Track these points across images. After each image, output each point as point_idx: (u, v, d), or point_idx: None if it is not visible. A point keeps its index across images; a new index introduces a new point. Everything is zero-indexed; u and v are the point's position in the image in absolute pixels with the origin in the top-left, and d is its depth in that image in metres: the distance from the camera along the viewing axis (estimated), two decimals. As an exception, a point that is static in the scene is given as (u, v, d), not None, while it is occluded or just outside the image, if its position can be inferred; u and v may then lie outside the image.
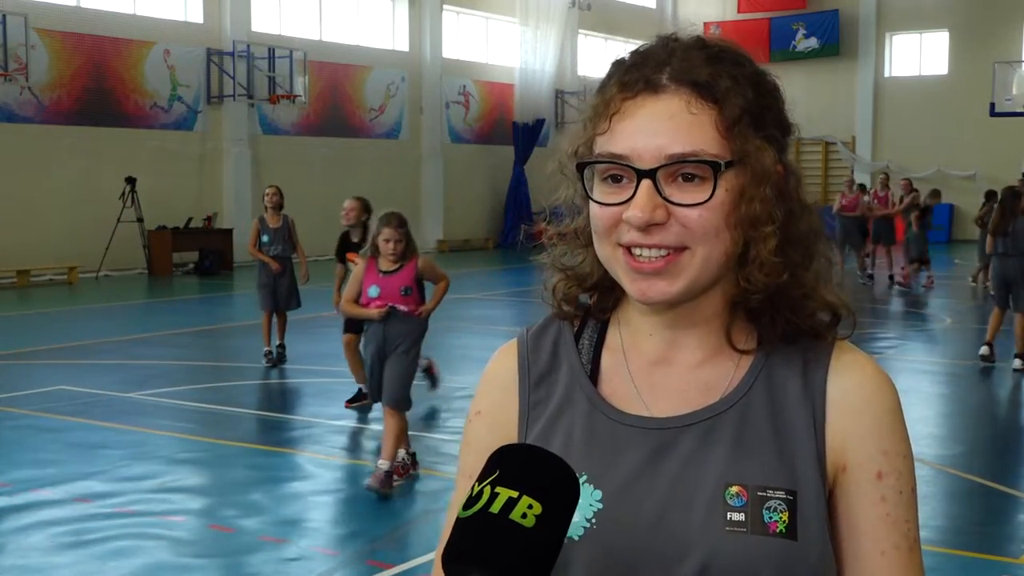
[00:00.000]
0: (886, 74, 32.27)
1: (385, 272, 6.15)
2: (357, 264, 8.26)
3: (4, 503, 5.97)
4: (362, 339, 6.93)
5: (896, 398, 1.18)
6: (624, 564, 1.13)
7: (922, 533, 1.19)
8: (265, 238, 10.21)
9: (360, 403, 8.29)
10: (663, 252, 1.13)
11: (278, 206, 10.31)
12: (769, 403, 1.17)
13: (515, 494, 0.93)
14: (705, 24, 30.84)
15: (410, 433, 6.90)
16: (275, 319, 10.34)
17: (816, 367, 1.18)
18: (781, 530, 1.11)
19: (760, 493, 1.12)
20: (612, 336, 1.26)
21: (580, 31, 30.38)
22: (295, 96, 22.52)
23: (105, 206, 19.09)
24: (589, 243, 1.24)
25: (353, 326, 8.13)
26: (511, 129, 28.11)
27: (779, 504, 1.11)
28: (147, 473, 6.65)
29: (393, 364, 6.17)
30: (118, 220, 19.12)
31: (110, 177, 19.41)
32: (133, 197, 19.32)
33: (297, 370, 10.19)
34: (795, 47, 32.57)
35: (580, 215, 1.25)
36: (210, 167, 21.73)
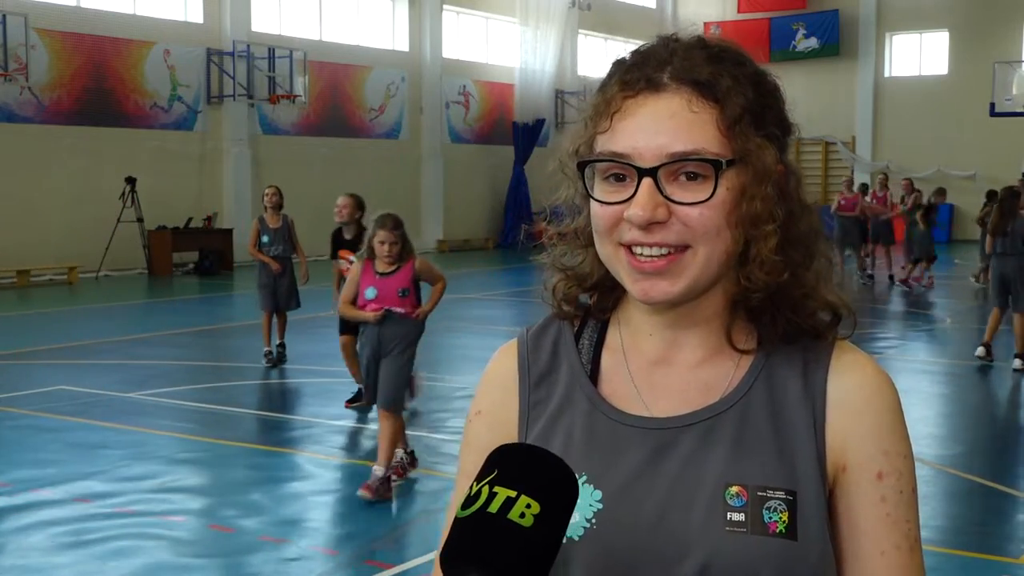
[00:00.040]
0: (886, 74, 32.27)
1: (382, 274, 6.13)
2: (352, 263, 8.27)
3: (4, 503, 5.97)
4: (359, 340, 6.92)
5: (896, 398, 1.18)
6: (624, 564, 1.13)
7: (922, 533, 1.19)
8: (265, 238, 10.21)
9: (360, 403, 8.28)
10: (664, 251, 1.12)
11: (277, 206, 10.30)
12: (769, 403, 1.17)
13: (513, 494, 0.92)
14: (705, 24, 30.83)
15: (410, 433, 6.91)
16: (275, 319, 10.34)
17: (816, 367, 1.18)
18: (781, 530, 1.10)
19: (760, 493, 1.12)
20: (612, 336, 1.26)
21: (580, 31, 30.39)
22: (295, 96, 22.53)
23: (105, 206, 19.09)
24: (589, 243, 1.24)
25: (349, 328, 8.12)
26: (511, 129, 28.12)
27: (779, 504, 1.11)
28: (147, 473, 6.65)
29: (387, 365, 6.14)
30: (118, 220, 19.13)
31: (110, 177, 19.41)
32: (133, 197, 19.32)
33: (297, 370, 10.19)
34: (795, 47, 32.57)
35: (580, 215, 1.25)
36: (210, 167, 21.73)
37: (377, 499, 5.95)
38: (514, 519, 0.91)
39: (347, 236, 8.52)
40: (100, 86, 19.74)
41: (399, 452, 6.35)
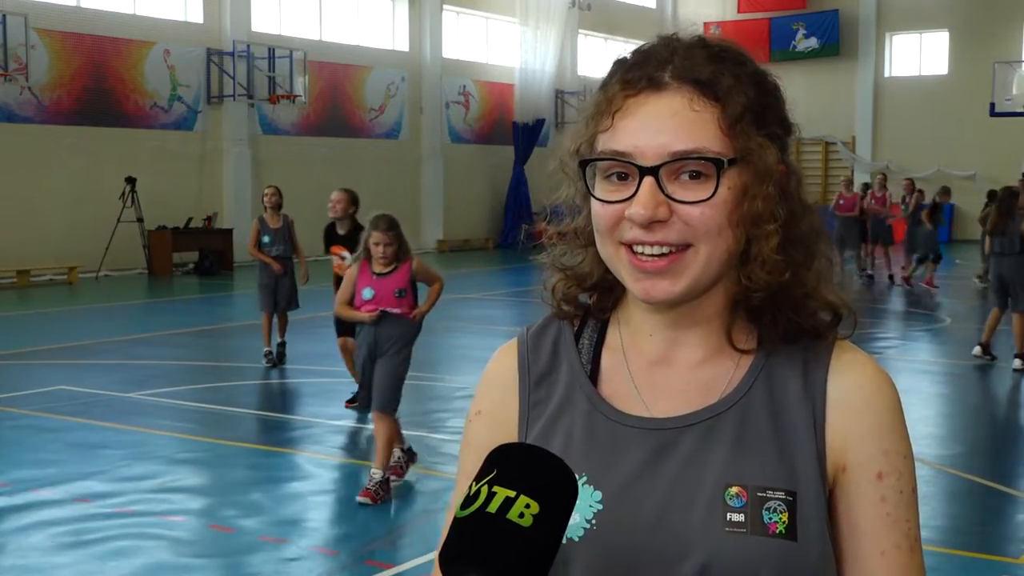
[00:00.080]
0: (886, 74, 32.27)
1: (379, 274, 6.10)
2: (344, 258, 8.23)
3: (4, 503, 5.97)
4: (356, 341, 6.90)
5: (896, 398, 1.18)
6: (624, 565, 1.12)
7: (922, 533, 1.19)
8: (266, 239, 10.19)
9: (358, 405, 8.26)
10: (665, 250, 1.12)
11: (277, 206, 10.29)
12: (769, 403, 1.17)
13: (512, 493, 0.92)
14: (705, 24, 30.84)
15: (411, 433, 6.91)
16: (276, 318, 10.33)
17: (816, 367, 1.18)
18: (781, 531, 1.10)
19: (760, 494, 1.12)
20: (612, 336, 1.26)
21: (580, 31, 30.39)
22: (295, 96, 22.53)
23: (105, 206, 19.09)
24: (589, 243, 1.24)
25: (346, 329, 8.10)
26: (511, 129, 28.12)
27: (779, 505, 1.11)
28: (147, 473, 6.65)
29: (382, 366, 6.11)
30: (118, 220, 19.13)
31: (110, 177, 19.41)
32: (133, 197, 19.32)
33: (297, 370, 10.19)
34: (795, 47, 32.57)
35: (580, 214, 1.25)
36: (210, 167, 21.73)
37: (375, 501, 5.95)
38: (513, 519, 0.91)
39: (340, 231, 8.47)
40: (100, 86, 19.74)
41: (396, 452, 6.34)
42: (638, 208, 1.11)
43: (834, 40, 32.33)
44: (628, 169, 1.13)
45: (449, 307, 14.11)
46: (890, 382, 1.19)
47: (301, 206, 16.87)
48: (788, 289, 1.18)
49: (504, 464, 0.96)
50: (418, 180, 26.29)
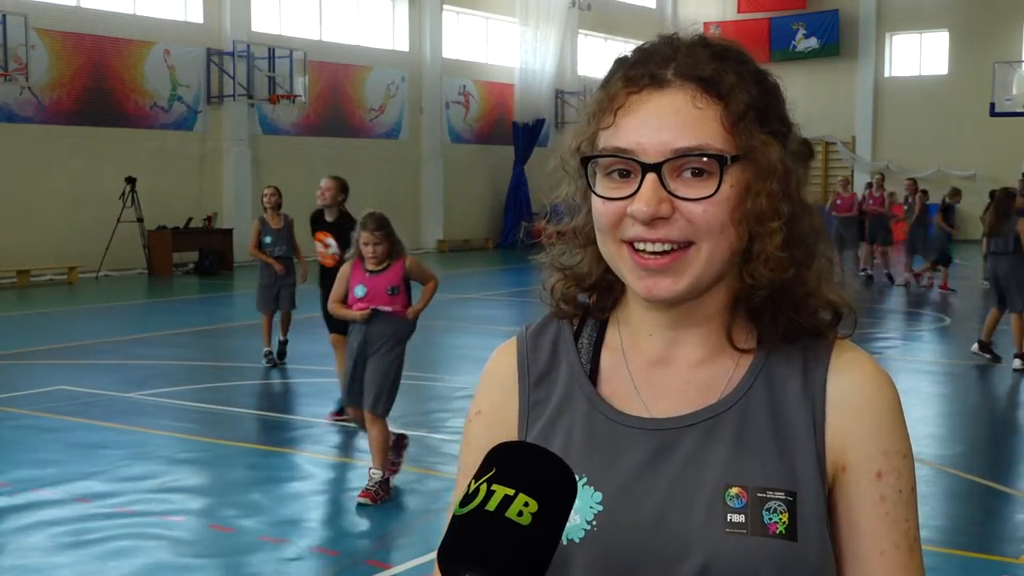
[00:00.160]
0: (886, 74, 32.28)
1: (371, 272, 6.06)
2: (328, 245, 8.18)
3: (4, 503, 5.97)
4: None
5: (896, 397, 1.18)
6: (624, 565, 1.12)
7: (922, 533, 1.19)
8: (268, 239, 10.16)
9: (342, 416, 7.97)
10: (667, 247, 1.12)
11: (277, 206, 10.27)
12: (769, 403, 1.17)
13: (511, 492, 0.92)
14: (705, 24, 30.83)
15: (410, 433, 6.91)
16: (278, 317, 10.32)
17: (816, 366, 1.18)
18: (781, 531, 1.10)
19: (760, 494, 1.12)
20: (612, 335, 1.26)
21: (580, 31, 30.39)
22: (295, 96, 22.53)
23: (105, 206, 19.09)
24: (588, 242, 1.24)
25: (337, 326, 8.05)
26: (511, 129, 28.12)
27: (779, 505, 1.11)
28: (147, 473, 6.64)
29: (372, 365, 6.05)
30: (118, 220, 19.13)
31: (110, 177, 19.41)
32: (133, 197, 19.32)
33: (297, 370, 10.19)
34: (795, 47, 32.58)
35: (579, 213, 1.25)
36: (210, 167, 21.73)
37: (376, 502, 5.95)
38: (512, 517, 0.91)
39: (328, 219, 8.35)
40: (100, 86, 19.74)
41: (392, 438, 6.31)
42: (640, 205, 1.11)
43: (834, 40, 32.33)
44: (630, 166, 1.13)
45: (449, 307, 14.12)
46: (890, 382, 1.19)
47: (301, 206, 16.81)
48: (789, 288, 1.18)
49: (503, 462, 0.95)
50: (418, 180, 26.29)
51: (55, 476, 6.51)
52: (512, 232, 27.09)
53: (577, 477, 1.13)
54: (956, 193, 18.36)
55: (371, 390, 6.04)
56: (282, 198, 10.38)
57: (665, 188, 1.11)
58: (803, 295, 1.18)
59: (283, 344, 10.35)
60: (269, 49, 22.16)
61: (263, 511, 5.91)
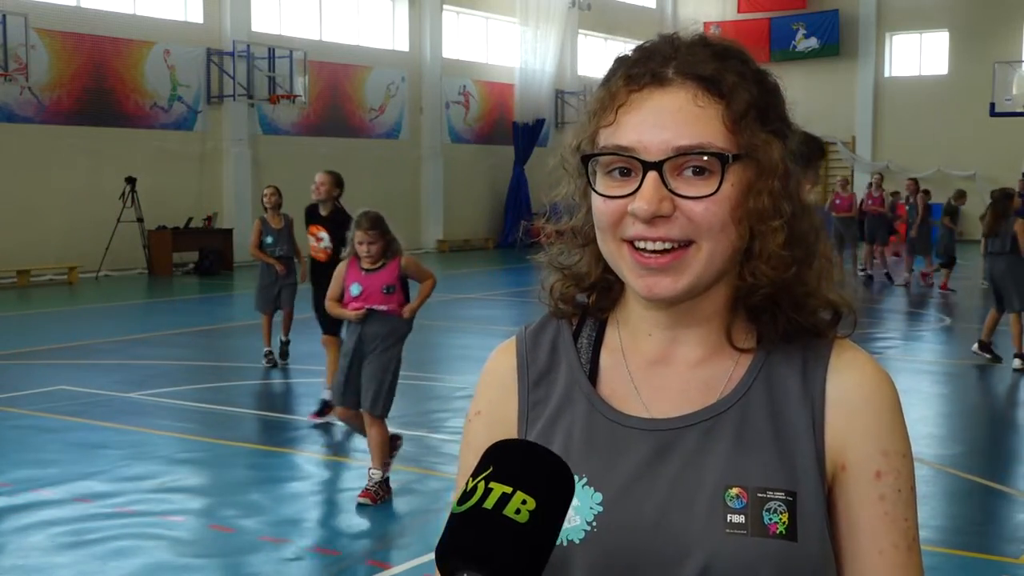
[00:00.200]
0: (886, 74, 32.28)
1: (367, 270, 6.04)
2: (320, 239, 8.16)
3: (4, 503, 5.97)
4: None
5: (896, 397, 1.18)
6: (624, 566, 1.12)
7: (922, 533, 1.19)
8: (269, 239, 10.14)
9: (326, 416, 7.93)
10: (668, 246, 1.12)
11: (278, 206, 10.26)
12: (769, 402, 1.17)
13: (509, 490, 0.92)
14: (705, 24, 30.84)
15: (411, 433, 6.91)
16: (277, 317, 10.31)
17: (816, 365, 1.18)
18: (781, 531, 1.10)
19: (760, 495, 1.12)
20: (611, 335, 1.26)
21: (580, 31, 30.40)
22: (295, 96, 22.53)
23: (105, 206, 19.10)
24: (587, 242, 1.24)
25: (330, 327, 8.01)
26: (511, 129, 28.12)
27: (779, 505, 1.11)
28: (147, 473, 6.65)
29: (369, 364, 6.01)
30: (118, 220, 19.13)
31: (110, 177, 19.41)
32: (133, 197, 19.32)
33: (297, 370, 10.19)
34: (795, 47, 32.58)
35: (579, 212, 1.25)
36: (210, 167, 21.73)
37: (377, 502, 5.95)
38: (509, 515, 0.91)
39: (322, 212, 8.32)
40: (100, 86, 19.74)
41: None
42: (641, 203, 1.11)
43: (834, 40, 32.33)
44: (631, 164, 1.13)
45: (449, 307, 14.12)
46: (889, 381, 1.19)
47: (301, 206, 16.83)
48: (789, 287, 1.18)
49: (501, 460, 0.95)
50: (418, 180, 26.29)
51: (55, 476, 6.51)
52: (512, 232, 27.09)
53: (577, 478, 1.14)
54: (961, 195, 18.34)
55: (369, 391, 6.01)
56: (282, 198, 10.37)
57: (666, 186, 1.11)
58: (803, 294, 1.18)
59: (285, 344, 10.35)
60: (269, 49, 22.17)
61: (263, 511, 5.91)
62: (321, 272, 8.07)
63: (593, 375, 1.23)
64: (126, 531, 5.52)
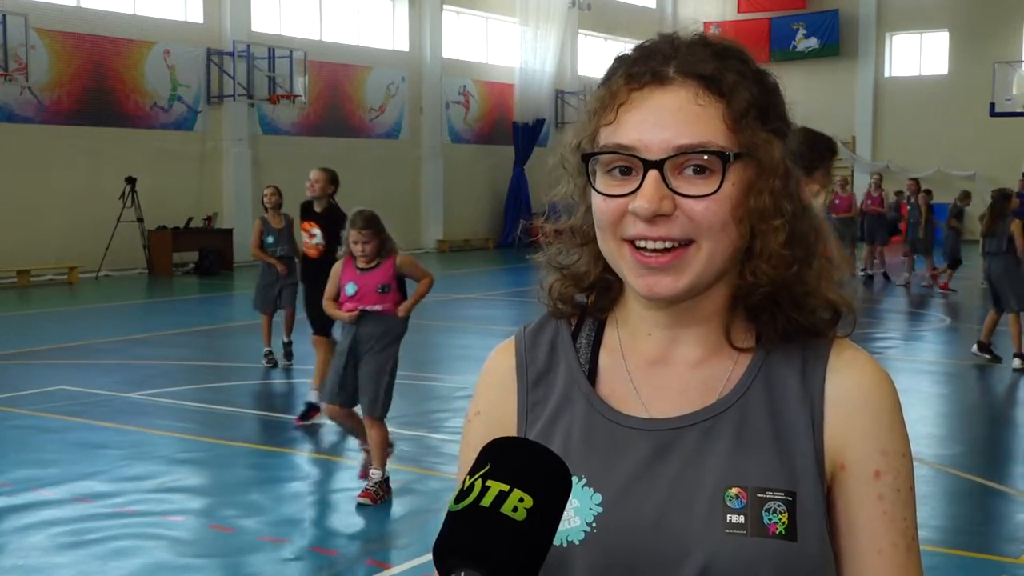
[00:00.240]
0: (886, 74, 32.29)
1: (362, 269, 6.01)
2: (314, 235, 8.14)
3: (4, 503, 5.97)
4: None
5: (895, 396, 1.18)
6: (624, 566, 1.12)
7: (922, 533, 1.19)
8: (270, 239, 10.14)
9: (312, 419, 7.88)
10: (668, 245, 1.12)
11: (278, 206, 10.25)
12: (768, 402, 1.17)
13: (506, 487, 0.92)
14: (705, 24, 30.83)
15: (411, 433, 6.91)
16: (278, 317, 10.31)
17: (815, 365, 1.18)
18: (780, 531, 1.10)
19: (760, 495, 1.11)
20: (610, 335, 1.26)
21: (580, 31, 30.40)
22: (295, 96, 22.53)
23: (105, 206, 19.10)
24: (586, 241, 1.23)
25: (322, 328, 7.98)
26: (511, 129, 28.13)
27: (778, 505, 1.11)
28: (147, 473, 6.65)
29: (365, 365, 5.98)
30: (118, 220, 19.13)
31: (110, 177, 19.42)
32: (133, 197, 19.33)
33: (297, 370, 10.19)
34: (795, 47, 32.59)
35: (578, 212, 1.25)
36: (210, 167, 21.73)
37: (377, 503, 5.95)
38: (507, 513, 0.90)
39: (317, 209, 8.27)
40: (100, 86, 19.75)
41: (364, 455, 6.27)
42: (642, 202, 1.11)
43: (834, 40, 32.34)
44: (631, 163, 1.13)
45: (449, 307, 14.12)
46: (889, 380, 1.19)
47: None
48: (789, 286, 1.17)
49: (498, 458, 0.95)
50: (418, 180, 26.30)
51: (55, 476, 6.51)
52: (512, 232, 27.11)
53: (576, 478, 1.14)
54: (966, 196, 18.33)
55: (367, 394, 5.98)
56: (283, 198, 10.36)
57: (667, 185, 1.11)
58: (803, 293, 1.18)
59: (288, 345, 10.33)
60: (269, 49, 22.17)
61: (263, 511, 5.91)
62: (312, 269, 8.06)
63: (592, 375, 1.23)
64: (126, 531, 5.52)
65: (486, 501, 0.91)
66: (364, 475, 6.23)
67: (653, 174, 1.11)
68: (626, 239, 1.14)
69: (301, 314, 10.17)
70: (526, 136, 27.84)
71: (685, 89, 1.13)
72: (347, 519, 5.90)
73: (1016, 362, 10.16)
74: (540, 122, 28.04)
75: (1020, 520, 6.05)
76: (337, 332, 6.65)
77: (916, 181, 19.02)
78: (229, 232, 20.82)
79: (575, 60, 30.16)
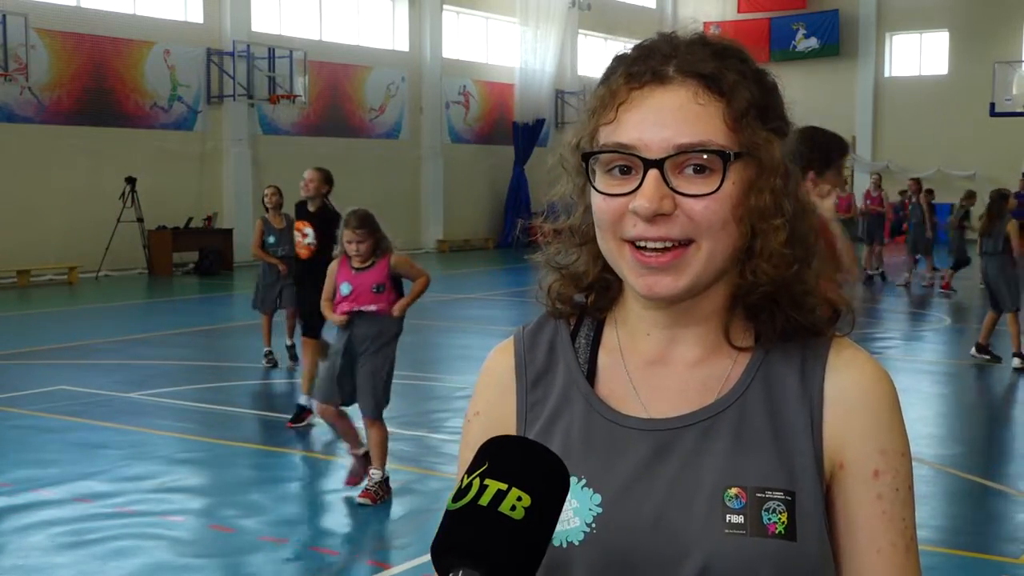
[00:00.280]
0: (886, 74, 32.29)
1: (357, 269, 5.99)
2: (306, 235, 8.14)
3: (4, 503, 5.97)
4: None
5: (894, 395, 1.18)
6: (624, 566, 1.12)
7: (921, 533, 1.19)
8: (271, 239, 10.13)
9: (303, 422, 7.86)
10: (668, 244, 1.12)
11: (279, 206, 10.25)
12: (767, 401, 1.17)
13: (504, 486, 0.92)
14: (705, 24, 30.81)
15: (410, 433, 6.91)
16: (278, 317, 10.30)
17: (814, 364, 1.18)
18: (780, 531, 1.10)
19: (759, 495, 1.11)
20: (609, 335, 1.25)
21: (580, 31, 30.40)
22: (295, 96, 22.53)
23: (105, 206, 19.10)
24: (585, 241, 1.23)
25: (312, 330, 7.96)
26: (511, 129, 28.13)
27: (778, 505, 1.11)
28: (147, 473, 6.65)
29: (361, 367, 5.95)
30: (118, 220, 19.13)
31: (110, 177, 19.42)
32: (133, 197, 19.33)
33: (298, 370, 10.18)
34: (795, 47, 32.59)
35: (577, 211, 1.25)
36: (210, 167, 21.73)
37: (376, 502, 5.95)
38: (505, 512, 0.90)
39: (311, 209, 8.23)
40: (100, 86, 19.75)
41: (352, 460, 6.26)
42: (643, 201, 1.11)
43: (834, 40, 32.34)
44: (631, 162, 1.13)
45: (449, 307, 14.12)
46: (888, 379, 1.18)
47: (301, 206, 16.86)
48: (788, 286, 1.17)
49: (496, 457, 0.95)
50: (418, 180, 26.30)
51: (55, 476, 6.51)
52: (512, 232, 27.10)
53: (576, 479, 1.14)
54: (971, 196, 18.32)
55: (365, 396, 5.96)
56: (283, 198, 10.36)
57: (667, 184, 1.11)
58: (802, 293, 1.18)
59: (292, 348, 10.30)
60: (269, 49, 22.17)
61: (263, 511, 5.91)
62: (304, 269, 8.06)
63: (591, 375, 1.23)
64: (126, 531, 5.52)
65: (484, 500, 0.91)
66: (351, 481, 6.21)
67: (653, 173, 1.11)
68: (626, 240, 1.14)
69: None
70: (526, 136, 27.84)
71: (685, 88, 1.13)
72: (347, 519, 5.91)
73: (1016, 361, 10.17)
74: (540, 122, 28.04)
75: (1020, 520, 6.05)
76: (328, 333, 6.62)
77: (918, 181, 19.03)
78: (229, 232, 20.82)
79: (575, 60, 30.16)
